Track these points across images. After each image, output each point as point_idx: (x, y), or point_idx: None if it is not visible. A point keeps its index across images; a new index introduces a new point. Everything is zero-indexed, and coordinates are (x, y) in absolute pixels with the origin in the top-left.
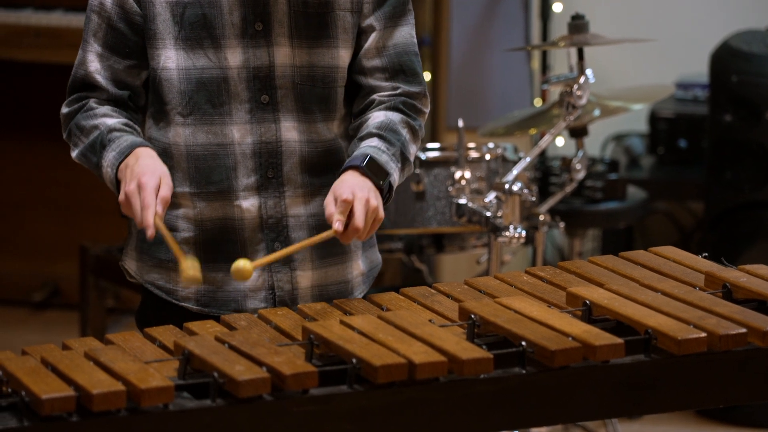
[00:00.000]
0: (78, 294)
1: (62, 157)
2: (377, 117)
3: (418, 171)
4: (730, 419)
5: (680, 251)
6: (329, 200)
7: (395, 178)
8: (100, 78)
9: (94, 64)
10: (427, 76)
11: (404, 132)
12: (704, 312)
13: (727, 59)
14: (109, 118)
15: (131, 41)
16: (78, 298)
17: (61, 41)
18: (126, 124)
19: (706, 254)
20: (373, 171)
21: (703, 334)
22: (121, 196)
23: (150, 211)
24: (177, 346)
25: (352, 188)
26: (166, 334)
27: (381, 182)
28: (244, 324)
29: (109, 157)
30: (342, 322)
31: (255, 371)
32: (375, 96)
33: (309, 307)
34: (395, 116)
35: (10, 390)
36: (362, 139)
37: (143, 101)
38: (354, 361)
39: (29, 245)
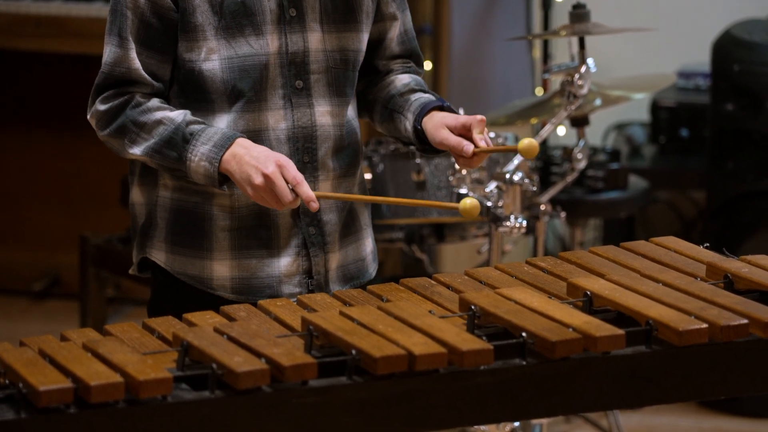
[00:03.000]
0: (78, 284)
1: (63, 148)
2: (404, 78)
3: (418, 161)
4: (731, 410)
5: (681, 241)
6: (446, 134)
7: None
8: (144, 73)
9: (135, 61)
10: (428, 65)
11: None
12: (705, 303)
13: (728, 48)
14: (168, 111)
15: (164, 36)
16: (78, 288)
17: (62, 30)
18: (193, 114)
19: (708, 244)
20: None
21: (705, 325)
22: (258, 180)
23: (305, 185)
24: (176, 338)
25: (467, 116)
26: (165, 325)
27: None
28: (244, 315)
29: (202, 150)
30: (341, 313)
31: (254, 363)
32: (391, 67)
33: (309, 298)
34: (419, 78)
35: (7, 382)
36: (405, 94)
37: (168, 93)
38: (353, 352)
39: (30, 235)
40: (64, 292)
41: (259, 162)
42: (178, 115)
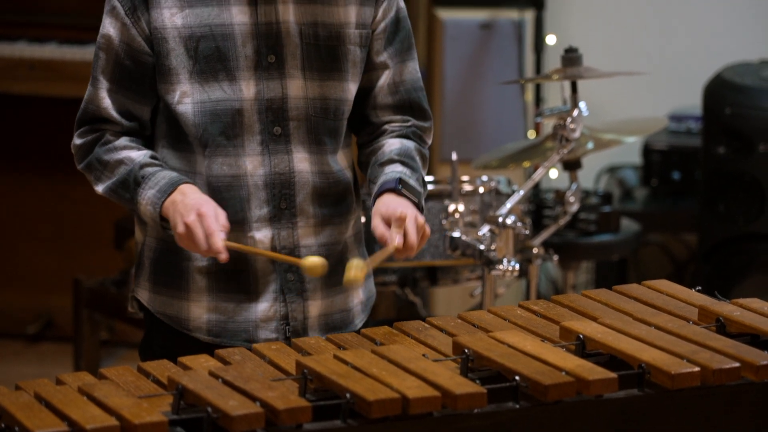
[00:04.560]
0: (72, 326)
1: (56, 190)
2: (393, 144)
3: None
4: None
5: (674, 285)
6: (377, 222)
7: (423, 201)
8: (113, 113)
9: (105, 100)
10: None
11: (418, 159)
12: (698, 346)
13: (720, 91)
14: (132, 151)
15: (138, 78)
16: (72, 331)
17: (55, 74)
18: (152, 157)
19: (700, 288)
20: (409, 191)
21: (697, 369)
22: (180, 228)
23: (216, 236)
24: (171, 381)
25: (400, 206)
26: (160, 368)
27: (417, 201)
28: (238, 358)
29: (149, 194)
30: (336, 357)
31: (249, 406)
32: (386, 126)
33: (303, 342)
34: (410, 144)
35: (3, 425)
36: (384, 164)
37: (149, 132)
38: (348, 395)
39: (23, 278)
40: (57, 335)
41: (186, 210)
42: (139, 155)
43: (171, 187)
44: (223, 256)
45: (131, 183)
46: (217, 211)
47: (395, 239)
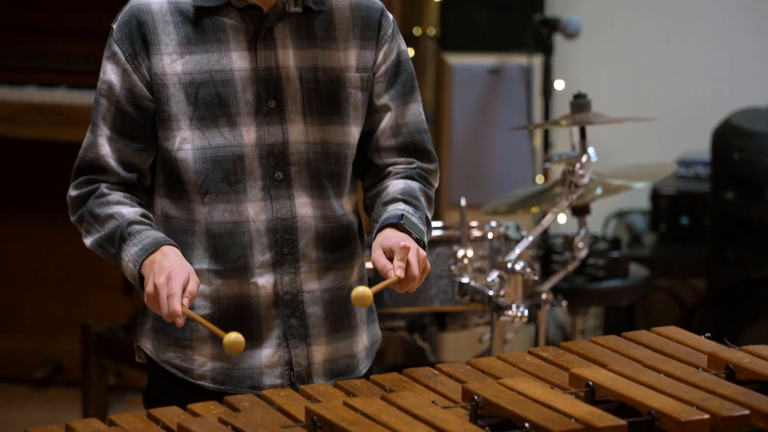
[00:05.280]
0: (80, 371)
1: (64, 234)
2: (398, 185)
3: None
4: None
5: (683, 331)
6: (378, 255)
7: (425, 240)
8: (112, 161)
9: (104, 147)
10: None
11: (423, 200)
12: (707, 393)
13: (728, 137)
14: (124, 207)
15: (140, 124)
16: (80, 376)
17: (64, 118)
18: (143, 215)
19: (709, 334)
20: (410, 227)
21: (707, 416)
22: (149, 288)
23: (176, 299)
24: (180, 428)
25: (402, 239)
26: (170, 415)
27: (419, 238)
28: (248, 405)
29: (131, 252)
30: (345, 404)
31: None
32: (390, 168)
33: (312, 388)
34: (414, 184)
35: None
36: (387, 203)
37: (149, 182)
38: None
39: (31, 322)
40: (65, 380)
41: (159, 270)
42: (130, 212)
43: (153, 247)
44: (180, 321)
45: (117, 239)
46: (190, 278)
47: (397, 270)
